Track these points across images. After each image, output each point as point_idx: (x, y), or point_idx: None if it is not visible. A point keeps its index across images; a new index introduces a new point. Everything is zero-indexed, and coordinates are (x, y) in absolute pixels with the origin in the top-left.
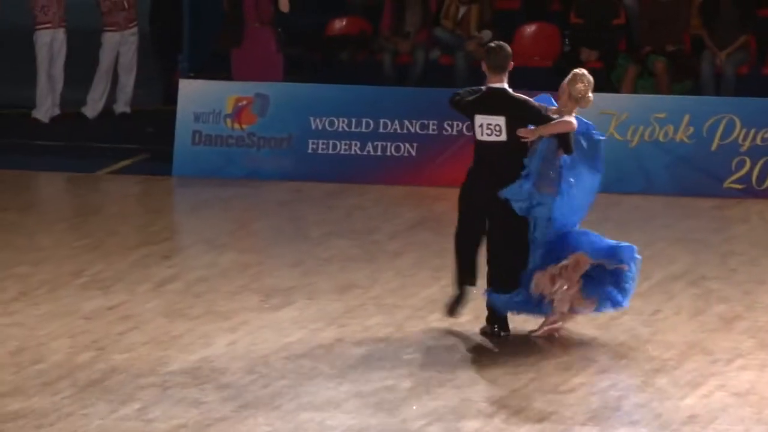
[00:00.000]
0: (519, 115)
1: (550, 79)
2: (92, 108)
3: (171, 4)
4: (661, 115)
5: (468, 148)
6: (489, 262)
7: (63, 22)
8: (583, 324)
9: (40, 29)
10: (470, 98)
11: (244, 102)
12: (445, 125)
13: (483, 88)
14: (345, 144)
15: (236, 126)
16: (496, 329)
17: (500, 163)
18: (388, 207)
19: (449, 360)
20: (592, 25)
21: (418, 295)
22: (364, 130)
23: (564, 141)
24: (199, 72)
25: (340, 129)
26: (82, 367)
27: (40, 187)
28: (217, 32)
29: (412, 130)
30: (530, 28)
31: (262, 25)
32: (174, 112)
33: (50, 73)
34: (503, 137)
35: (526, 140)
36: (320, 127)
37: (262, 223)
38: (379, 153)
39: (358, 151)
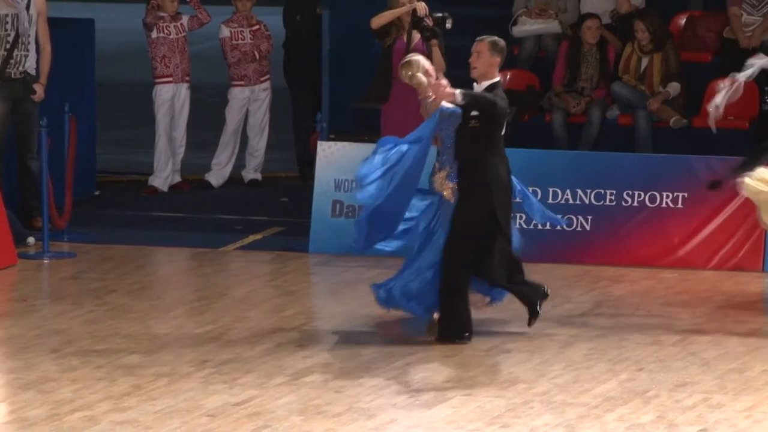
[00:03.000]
0: None
1: (746, 142)
2: (218, 175)
3: (308, 55)
4: None
5: (653, 221)
6: None
7: (187, 76)
8: None
9: (160, 83)
10: None
11: None
12: (625, 195)
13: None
14: None
15: None
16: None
17: None
18: (558, 289)
19: None
20: None
21: (592, 391)
22: None
23: None
24: (341, 133)
25: None
26: None
27: (155, 264)
28: (362, 86)
29: (586, 201)
30: (724, 84)
31: None
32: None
33: (171, 135)
34: None
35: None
36: None
37: None
38: (548, 227)
39: (523, 225)
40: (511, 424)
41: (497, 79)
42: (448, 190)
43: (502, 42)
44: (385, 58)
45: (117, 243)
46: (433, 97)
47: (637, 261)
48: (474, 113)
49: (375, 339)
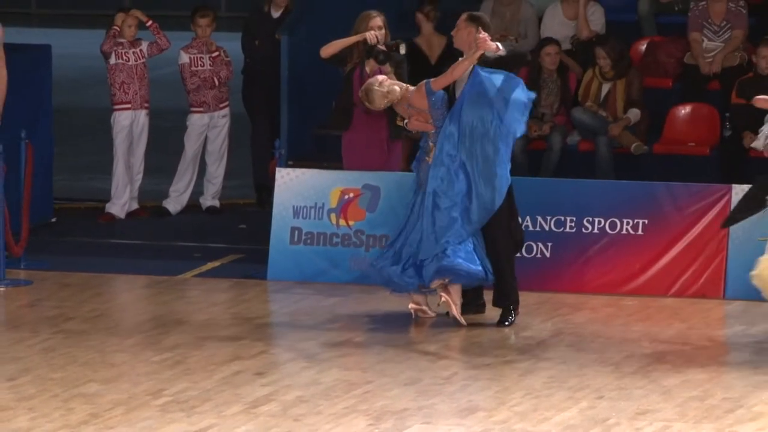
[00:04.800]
0: None
1: (707, 168)
2: (176, 202)
3: (268, 81)
4: None
5: (613, 248)
6: None
7: (146, 102)
8: None
9: (119, 110)
10: None
11: (351, 195)
12: (585, 222)
13: None
14: None
15: (342, 222)
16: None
17: None
18: (518, 317)
19: None
20: None
21: (552, 420)
22: None
23: None
24: (300, 159)
25: None
26: None
27: (112, 292)
28: (322, 113)
29: (546, 228)
30: (684, 110)
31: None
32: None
33: (129, 162)
34: None
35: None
36: None
37: (370, 335)
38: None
39: None
40: None
41: (481, 50)
42: None
43: (479, 14)
44: (346, 85)
45: (74, 270)
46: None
47: (598, 288)
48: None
49: (334, 367)
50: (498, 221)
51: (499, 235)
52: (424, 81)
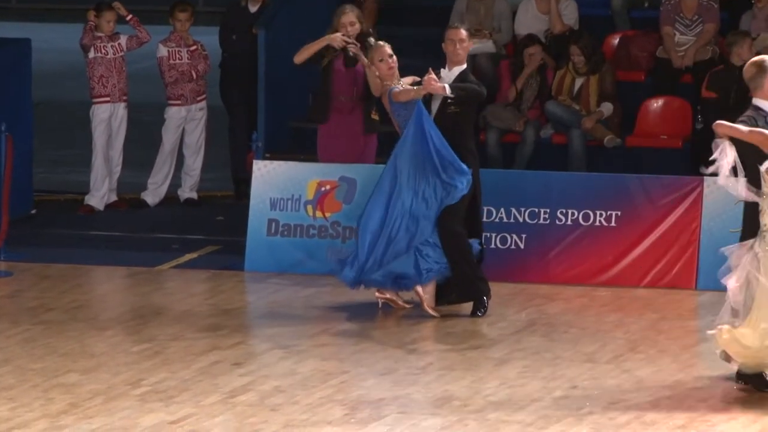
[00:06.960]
0: None
1: (679, 160)
2: (154, 193)
3: (245, 75)
4: None
5: (587, 240)
6: None
7: (124, 95)
8: None
9: (97, 103)
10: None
11: (328, 187)
12: (559, 213)
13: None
14: None
15: (318, 214)
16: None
17: None
18: (493, 307)
19: None
20: (728, 99)
21: (527, 409)
22: None
23: None
24: (277, 152)
25: None
26: None
27: (92, 283)
28: (298, 106)
29: (521, 219)
30: (657, 103)
31: (347, 100)
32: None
33: (108, 154)
34: None
35: None
36: None
37: (347, 326)
38: (492, 245)
39: None
40: None
41: (465, 65)
42: None
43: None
44: (324, 79)
45: (54, 262)
46: (401, 87)
47: (571, 279)
48: (451, 101)
49: (310, 357)
50: (452, 217)
51: (452, 231)
52: (392, 87)
